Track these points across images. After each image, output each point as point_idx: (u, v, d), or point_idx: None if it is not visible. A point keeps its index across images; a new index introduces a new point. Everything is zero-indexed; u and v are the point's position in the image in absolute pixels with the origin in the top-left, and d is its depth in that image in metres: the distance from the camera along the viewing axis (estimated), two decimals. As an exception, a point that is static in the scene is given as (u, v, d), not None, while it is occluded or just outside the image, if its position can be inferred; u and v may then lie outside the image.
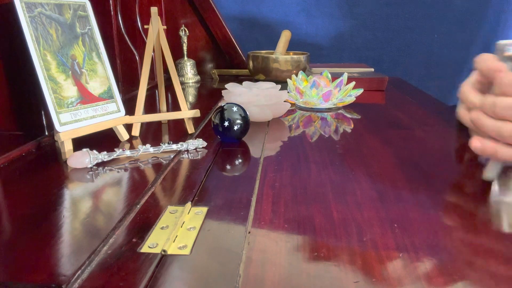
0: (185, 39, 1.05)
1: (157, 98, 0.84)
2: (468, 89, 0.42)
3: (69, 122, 0.49)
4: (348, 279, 0.26)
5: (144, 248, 0.30)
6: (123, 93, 0.81)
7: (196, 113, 0.59)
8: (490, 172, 0.40)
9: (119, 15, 0.84)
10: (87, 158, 0.45)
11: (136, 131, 0.58)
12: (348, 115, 0.71)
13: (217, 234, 0.32)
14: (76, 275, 0.26)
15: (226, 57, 1.13)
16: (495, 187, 0.40)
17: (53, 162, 0.47)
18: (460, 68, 1.32)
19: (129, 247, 0.30)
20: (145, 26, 0.59)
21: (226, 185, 0.41)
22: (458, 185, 0.43)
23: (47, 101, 0.47)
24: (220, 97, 0.74)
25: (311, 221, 0.34)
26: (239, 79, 1.04)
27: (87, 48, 0.54)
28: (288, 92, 0.74)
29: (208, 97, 0.94)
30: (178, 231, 0.32)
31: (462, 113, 0.43)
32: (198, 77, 1.09)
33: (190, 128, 0.60)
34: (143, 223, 0.33)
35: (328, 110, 0.74)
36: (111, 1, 0.79)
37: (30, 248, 0.30)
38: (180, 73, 1.06)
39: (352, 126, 0.64)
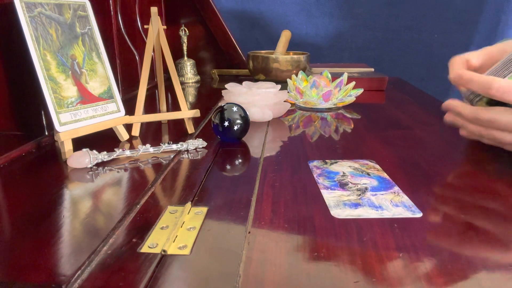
0: (185, 39, 1.05)
1: (157, 98, 0.84)
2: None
3: (69, 122, 0.49)
4: (348, 279, 0.26)
5: (144, 248, 0.30)
6: (123, 93, 0.81)
7: (196, 113, 0.59)
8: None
9: (119, 15, 0.84)
10: (87, 158, 0.45)
11: (136, 131, 0.58)
12: (348, 115, 0.71)
13: (217, 234, 0.32)
14: (76, 275, 0.26)
15: (226, 57, 1.13)
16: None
17: (53, 162, 0.47)
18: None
19: (129, 247, 0.30)
20: (145, 26, 0.59)
21: (226, 185, 0.41)
22: (458, 185, 0.43)
23: (47, 101, 0.47)
24: (220, 97, 0.74)
25: (311, 221, 0.34)
26: (239, 79, 1.03)
27: (87, 48, 0.54)
28: (288, 92, 0.74)
29: (208, 97, 0.94)
30: (178, 231, 0.32)
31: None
32: (198, 77, 1.09)
33: (190, 128, 0.60)
34: (143, 223, 0.33)
35: (328, 110, 0.74)
36: (111, 1, 0.79)
37: (30, 248, 0.30)
38: (180, 73, 1.06)
39: (352, 126, 0.64)
